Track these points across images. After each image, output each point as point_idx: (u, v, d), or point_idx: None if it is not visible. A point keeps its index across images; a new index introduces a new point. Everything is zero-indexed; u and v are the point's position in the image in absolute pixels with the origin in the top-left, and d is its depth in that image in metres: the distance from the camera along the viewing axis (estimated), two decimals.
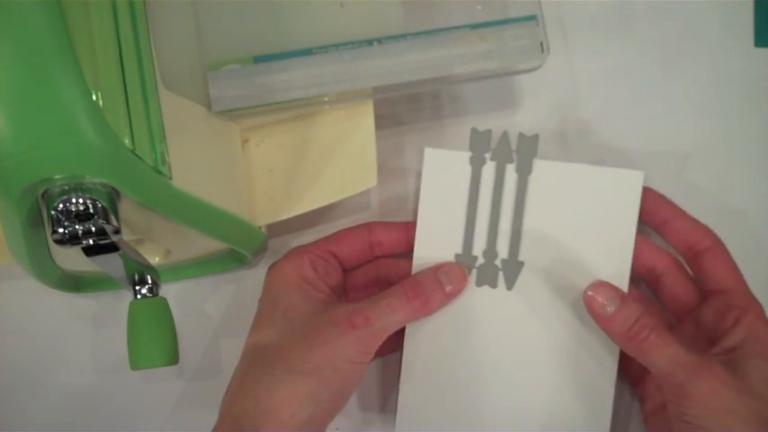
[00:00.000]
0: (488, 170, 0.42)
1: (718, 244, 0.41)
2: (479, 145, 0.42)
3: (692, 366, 0.36)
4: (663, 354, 0.37)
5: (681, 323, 0.42)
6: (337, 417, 0.39)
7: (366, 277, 0.43)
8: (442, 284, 0.40)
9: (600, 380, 0.41)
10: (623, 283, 0.41)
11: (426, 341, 0.42)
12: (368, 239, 0.42)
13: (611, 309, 0.38)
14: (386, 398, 0.46)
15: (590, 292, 0.39)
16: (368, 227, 0.42)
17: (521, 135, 0.41)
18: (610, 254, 0.41)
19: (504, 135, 0.41)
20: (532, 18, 0.41)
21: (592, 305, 0.39)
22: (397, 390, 0.42)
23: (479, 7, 0.41)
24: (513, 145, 0.42)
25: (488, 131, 0.41)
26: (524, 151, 0.41)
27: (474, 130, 0.42)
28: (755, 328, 0.38)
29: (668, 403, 0.37)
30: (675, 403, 0.36)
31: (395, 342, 0.41)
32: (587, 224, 0.41)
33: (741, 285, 0.40)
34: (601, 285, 0.39)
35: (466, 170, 0.42)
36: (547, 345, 0.41)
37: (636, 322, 0.38)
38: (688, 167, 0.48)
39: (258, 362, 0.38)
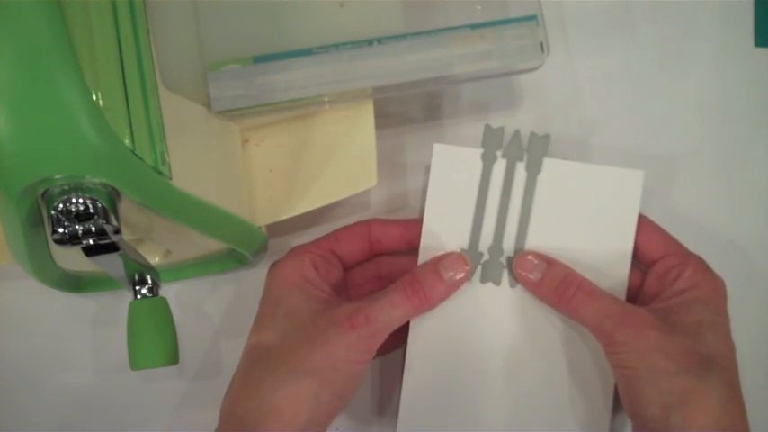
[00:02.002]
0: (499, 167, 0.42)
1: (642, 219, 0.41)
2: (492, 142, 0.42)
3: (618, 315, 0.38)
4: (591, 308, 0.38)
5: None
6: (337, 416, 0.39)
7: (366, 275, 0.43)
8: (442, 276, 0.40)
9: (601, 376, 0.41)
10: (623, 275, 0.41)
11: (429, 338, 0.42)
12: (367, 237, 0.42)
13: (538, 275, 0.40)
14: (385, 398, 0.46)
15: (516, 268, 0.41)
16: (367, 225, 0.42)
17: (532, 134, 0.42)
18: (611, 249, 0.41)
19: (516, 134, 0.42)
20: (532, 18, 0.41)
21: (521, 279, 0.41)
22: (398, 389, 0.42)
23: (479, 7, 0.41)
24: (524, 143, 0.42)
25: (501, 129, 0.42)
26: (535, 150, 0.42)
27: (487, 127, 0.42)
28: (695, 278, 0.39)
29: (605, 355, 0.38)
30: (608, 352, 0.38)
31: (395, 340, 0.41)
32: (590, 221, 0.41)
33: (676, 247, 0.41)
34: (523, 256, 0.41)
35: (477, 166, 0.42)
36: (548, 341, 0.41)
37: (561, 281, 0.40)
38: (688, 167, 0.48)
39: (260, 362, 0.38)
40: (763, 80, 0.49)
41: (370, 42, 0.41)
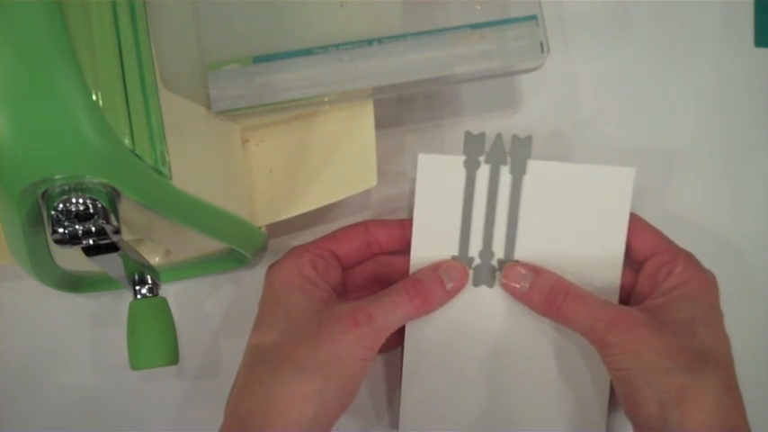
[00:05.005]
0: (483, 173, 0.41)
1: (631, 216, 0.41)
2: (473, 148, 0.41)
3: (609, 318, 0.38)
4: (581, 313, 0.38)
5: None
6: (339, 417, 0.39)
7: (365, 275, 0.43)
8: (443, 282, 0.40)
9: (596, 375, 0.41)
10: (615, 276, 0.41)
11: (426, 342, 0.42)
12: (365, 237, 0.42)
13: (526, 285, 0.40)
14: (386, 400, 0.46)
15: (504, 280, 0.41)
16: (365, 225, 0.42)
17: (514, 137, 0.41)
18: (603, 249, 0.41)
19: (498, 137, 0.41)
20: (532, 18, 0.41)
21: (510, 290, 0.41)
22: (398, 391, 0.42)
23: (479, 7, 0.41)
24: (507, 147, 0.41)
25: (482, 134, 0.41)
26: (518, 153, 0.41)
27: (468, 134, 0.42)
28: (685, 275, 0.39)
29: (601, 358, 0.38)
30: (602, 355, 0.38)
31: (397, 338, 0.41)
32: (581, 221, 0.41)
33: (666, 244, 0.41)
34: (511, 267, 0.41)
35: (460, 174, 0.41)
36: (543, 342, 0.42)
37: (550, 290, 0.40)
38: (688, 167, 0.48)
39: (263, 361, 0.38)
40: (763, 80, 0.49)
41: (370, 42, 0.41)
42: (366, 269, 0.43)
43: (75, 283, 0.45)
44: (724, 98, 0.49)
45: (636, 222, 0.41)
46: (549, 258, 0.41)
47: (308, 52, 0.41)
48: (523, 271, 0.40)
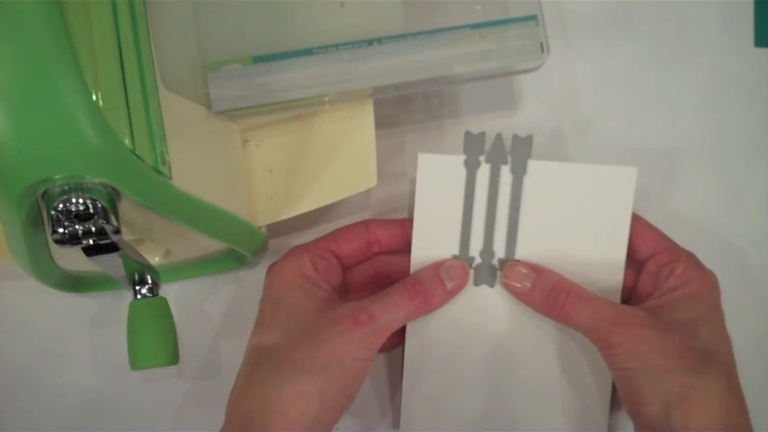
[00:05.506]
0: (483, 172, 0.41)
1: (632, 216, 0.41)
2: (474, 148, 0.41)
3: (611, 317, 0.38)
4: (583, 313, 0.38)
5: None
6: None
7: (365, 274, 0.43)
8: (443, 281, 0.40)
9: (598, 374, 0.41)
10: (618, 277, 0.41)
11: (427, 342, 0.42)
12: (366, 237, 0.42)
13: (528, 284, 0.40)
14: (387, 400, 0.46)
15: (505, 279, 0.41)
16: (365, 225, 0.42)
17: (515, 136, 0.41)
18: (605, 249, 0.41)
19: (498, 137, 0.41)
20: (532, 18, 0.41)
21: (511, 289, 0.41)
22: (399, 391, 0.42)
23: (479, 7, 0.41)
24: (508, 146, 0.41)
25: (482, 134, 0.41)
26: (519, 152, 0.41)
27: (468, 134, 0.42)
28: (687, 275, 0.39)
29: (603, 358, 0.38)
30: (604, 354, 0.38)
31: (398, 337, 0.41)
32: (583, 221, 0.41)
33: (667, 244, 0.41)
34: (512, 267, 0.41)
35: (461, 173, 0.41)
36: (544, 341, 0.42)
37: (552, 289, 0.39)
38: (687, 167, 0.48)
39: (263, 362, 0.38)
40: (763, 80, 0.49)
41: (370, 42, 0.41)
42: (366, 269, 0.43)
43: (75, 283, 0.45)
44: (724, 98, 0.49)
45: (637, 222, 0.41)
46: (551, 258, 0.41)
47: (308, 52, 0.41)
48: (525, 270, 0.40)
